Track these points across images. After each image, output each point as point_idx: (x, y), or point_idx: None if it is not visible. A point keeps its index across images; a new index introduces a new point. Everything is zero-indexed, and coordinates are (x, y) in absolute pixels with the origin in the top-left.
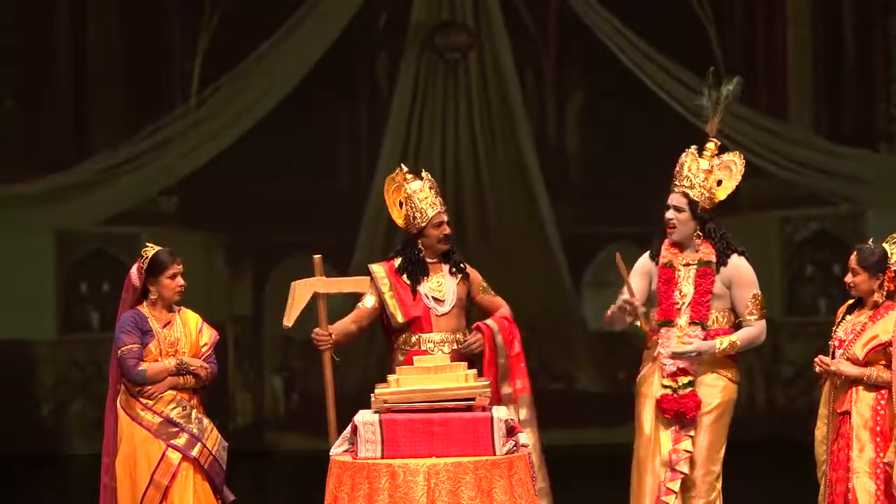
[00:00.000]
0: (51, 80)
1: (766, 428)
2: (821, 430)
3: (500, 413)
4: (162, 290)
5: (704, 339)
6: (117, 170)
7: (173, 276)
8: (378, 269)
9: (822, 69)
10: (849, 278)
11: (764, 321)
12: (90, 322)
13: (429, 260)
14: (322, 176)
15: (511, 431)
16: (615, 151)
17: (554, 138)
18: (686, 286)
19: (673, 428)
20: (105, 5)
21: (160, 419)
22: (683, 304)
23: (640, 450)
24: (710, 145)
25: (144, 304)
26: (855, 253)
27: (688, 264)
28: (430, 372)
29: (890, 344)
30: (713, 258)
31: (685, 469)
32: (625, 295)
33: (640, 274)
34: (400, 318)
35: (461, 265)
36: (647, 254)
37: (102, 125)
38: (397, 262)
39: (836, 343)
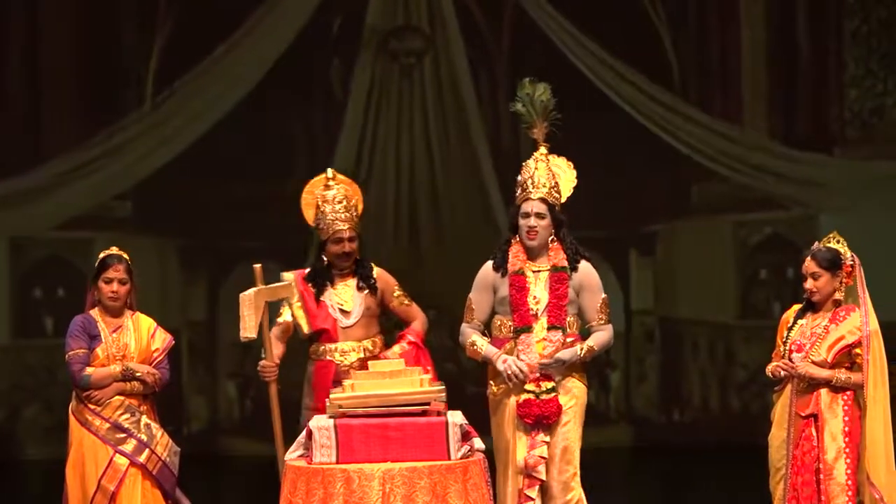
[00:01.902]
0: (3, 83)
1: (719, 432)
2: (778, 436)
3: (455, 418)
4: (98, 293)
5: (563, 343)
6: (71, 174)
7: (108, 281)
8: (289, 277)
9: (776, 73)
10: (809, 284)
11: (611, 326)
12: (44, 327)
13: (337, 270)
14: (277, 179)
15: (466, 436)
16: (569, 155)
17: (508, 142)
18: (540, 292)
19: (530, 434)
20: (59, 7)
21: (108, 425)
22: (539, 309)
23: (503, 457)
24: (542, 150)
25: (97, 308)
26: (810, 258)
27: (538, 270)
28: (385, 377)
29: (855, 345)
30: (566, 263)
31: (542, 476)
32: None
33: (482, 289)
34: (305, 329)
35: (370, 279)
36: (488, 266)
37: (56, 129)
38: (308, 270)
39: (795, 347)
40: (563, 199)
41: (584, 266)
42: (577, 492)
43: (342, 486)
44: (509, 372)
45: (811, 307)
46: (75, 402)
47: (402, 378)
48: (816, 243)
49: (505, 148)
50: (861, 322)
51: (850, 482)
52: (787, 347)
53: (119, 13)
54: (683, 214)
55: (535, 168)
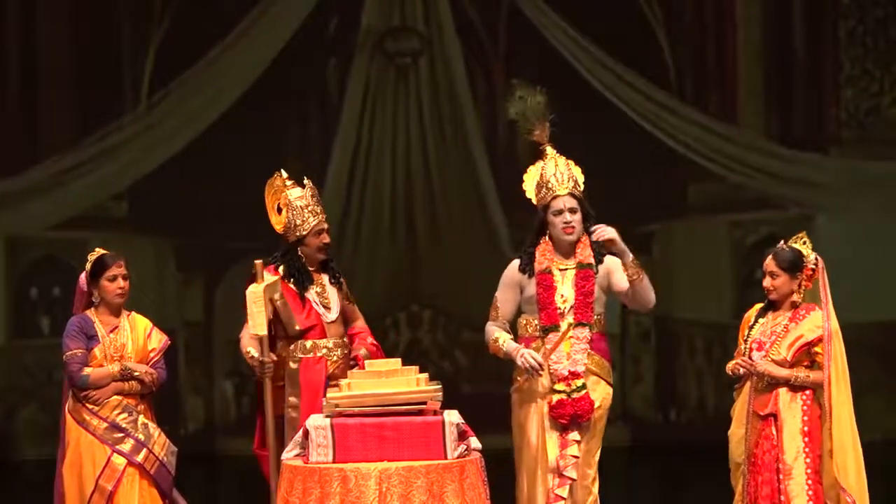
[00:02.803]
0: (0, 83)
1: (716, 432)
2: (737, 433)
3: (452, 417)
4: (102, 292)
5: (591, 340)
6: (67, 175)
7: (113, 279)
8: (267, 276)
9: (772, 73)
10: (767, 282)
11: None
12: (40, 327)
13: (309, 268)
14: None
15: (463, 435)
16: (565, 155)
17: (504, 142)
18: (567, 290)
19: (560, 434)
20: (55, 8)
21: (105, 424)
22: (566, 308)
23: (529, 460)
24: (550, 150)
25: (92, 309)
26: (771, 256)
27: (565, 269)
28: (382, 376)
29: (814, 344)
30: (592, 260)
31: (573, 475)
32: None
33: (508, 287)
34: (297, 326)
35: (338, 273)
36: (515, 265)
37: (52, 129)
38: (280, 268)
39: (755, 345)
40: None
41: (608, 259)
42: (594, 494)
43: (339, 485)
44: (526, 365)
45: (772, 306)
46: (72, 401)
47: (398, 377)
48: (781, 242)
49: (501, 148)
50: (822, 321)
51: (810, 482)
52: (748, 346)
53: (115, 14)
54: (680, 214)
55: (556, 165)
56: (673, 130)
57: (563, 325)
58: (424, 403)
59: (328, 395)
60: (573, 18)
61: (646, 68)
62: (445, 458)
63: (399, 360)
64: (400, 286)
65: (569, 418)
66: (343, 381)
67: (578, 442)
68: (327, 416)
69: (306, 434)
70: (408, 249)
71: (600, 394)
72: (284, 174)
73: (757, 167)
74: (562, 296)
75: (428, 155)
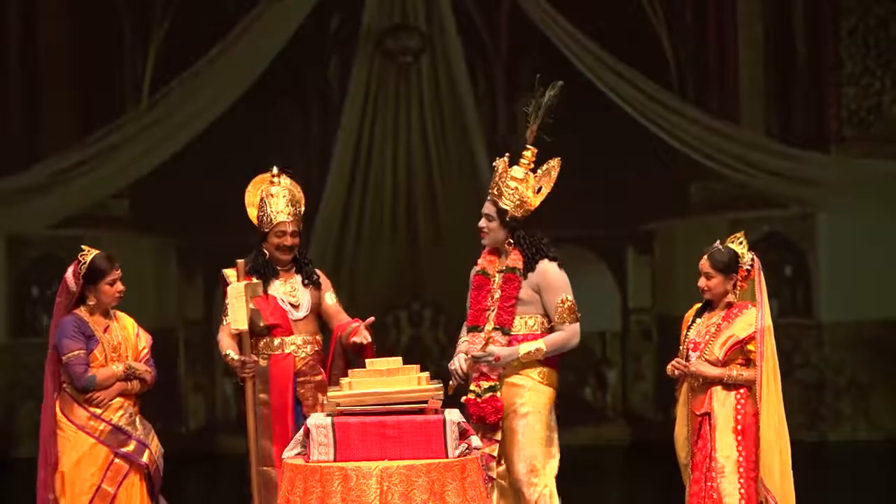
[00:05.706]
0: (1, 82)
1: None
2: (681, 433)
3: (453, 416)
4: (101, 296)
5: (508, 344)
6: (68, 173)
7: (113, 283)
8: (232, 274)
9: (773, 71)
10: (702, 282)
11: (577, 325)
12: (41, 325)
13: (280, 266)
14: None
15: (464, 434)
16: (566, 153)
17: (506, 141)
18: (497, 292)
19: (483, 432)
20: (55, 7)
21: (109, 427)
22: (493, 310)
23: None
24: (528, 153)
25: (82, 308)
26: (706, 257)
27: (501, 271)
28: (383, 375)
29: (747, 342)
30: (519, 264)
31: (492, 473)
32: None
33: None
34: (260, 322)
35: (314, 275)
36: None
37: (53, 128)
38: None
39: (691, 346)
40: (535, 204)
41: (543, 266)
42: (540, 489)
43: (340, 484)
44: (451, 370)
45: (709, 305)
46: (68, 404)
47: (399, 376)
48: (717, 242)
49: (502, 146)
50: (755, 319)
51: (742, 480)
52: (685, 346)
53: (115, 13)
54: (681, 213)
55: (496, 169)
56: (674, 129)
57: (488, 327)
58: (425, 402)
59: (329, 393)
60: (574, 17)
61: (647, 67)
62: (446, 456)
63: (400, 358)
64: (401, 284)
65: (477, 419)
66: (344, 380)
67: (498, 441)
68: (328, 415)
69: (307, 433)
70: (409, 247)
71: (524, 391)
72: (275, 170)
73: (758, 166)
74: (492, 297)
75: (429, 153)
